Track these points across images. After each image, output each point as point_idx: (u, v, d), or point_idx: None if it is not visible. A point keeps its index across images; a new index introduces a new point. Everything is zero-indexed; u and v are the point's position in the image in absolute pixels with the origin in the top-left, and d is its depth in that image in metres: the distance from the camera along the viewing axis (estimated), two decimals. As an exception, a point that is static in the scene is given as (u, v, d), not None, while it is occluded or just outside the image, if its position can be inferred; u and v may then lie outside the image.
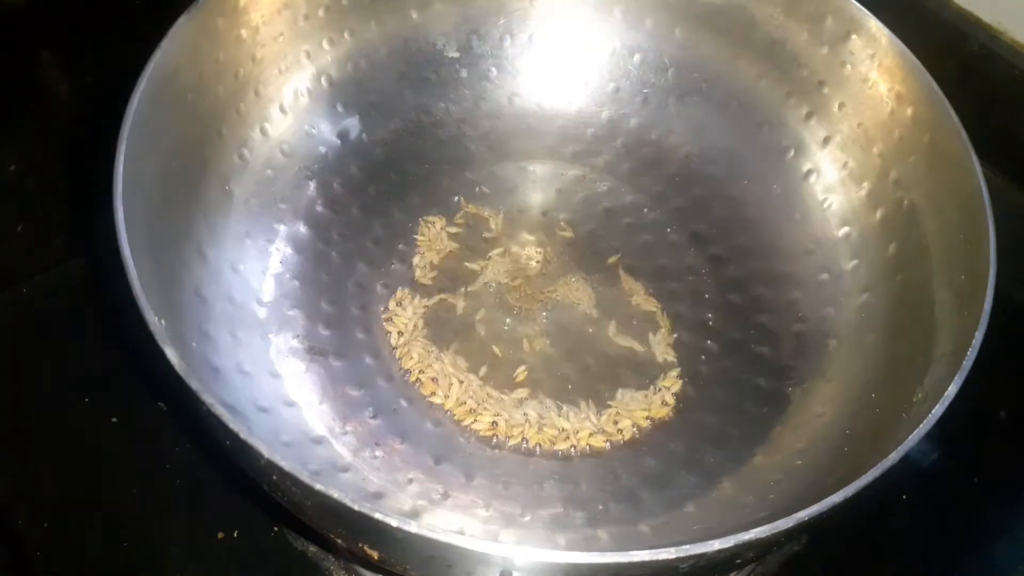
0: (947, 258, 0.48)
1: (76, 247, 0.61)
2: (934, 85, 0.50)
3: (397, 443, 0.48)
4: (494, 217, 0.58)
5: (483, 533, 0.45)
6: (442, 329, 0.53)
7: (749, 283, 0.56)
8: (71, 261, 0.60)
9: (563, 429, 0.50)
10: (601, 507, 0.47)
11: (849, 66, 0.55)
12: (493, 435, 0.50)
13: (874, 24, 0.53)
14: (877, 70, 0.54)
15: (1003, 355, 0.45)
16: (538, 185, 0.60)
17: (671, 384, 0.52)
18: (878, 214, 0.54)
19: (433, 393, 0.51)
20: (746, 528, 0.34)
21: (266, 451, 0.34)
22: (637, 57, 0.62)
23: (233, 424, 0.35)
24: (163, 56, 0.46)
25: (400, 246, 0.57)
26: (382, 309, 0.54)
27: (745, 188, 0.59)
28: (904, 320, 0.50)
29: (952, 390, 0.39)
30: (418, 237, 0.57)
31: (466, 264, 0.56)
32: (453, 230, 0.58)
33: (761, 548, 0.38)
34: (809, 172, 0.58)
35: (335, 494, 0.33)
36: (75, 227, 0.62)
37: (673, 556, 0.33)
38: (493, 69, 0.62)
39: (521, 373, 0.52)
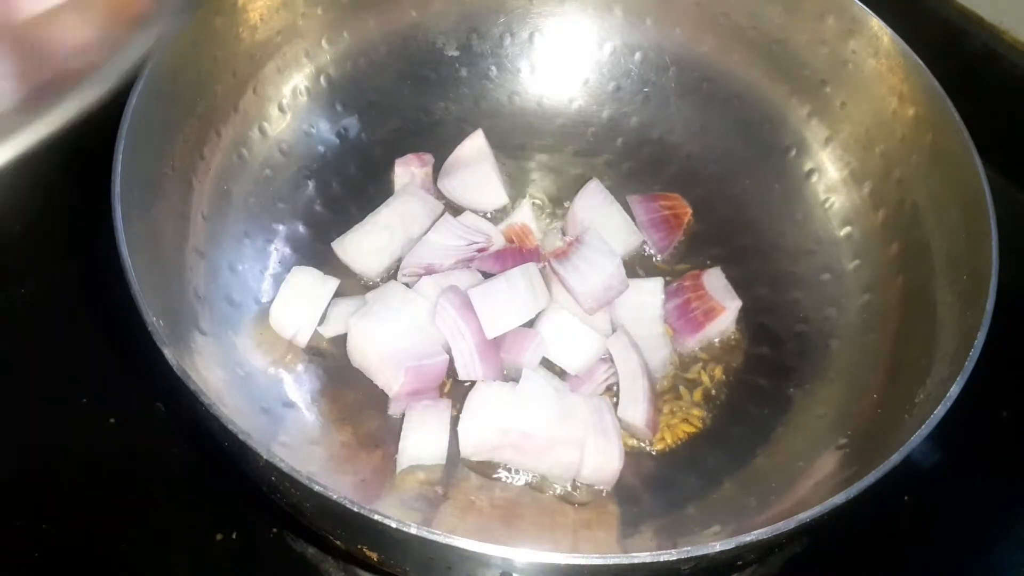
0: (949, 258, 0.48)
1: (76, 247, 0.61)
2: (936, 84, 0.50)
3: (396, 444, 0.48)
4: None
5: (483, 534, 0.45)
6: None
7: (750, 283, 0.55)
8: (71, 261, 0.60)
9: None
10: (602, 507, 0.47)
11: (851, 65, 0.55)
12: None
13: (876, 23, 0.53)
14: (879, 69, 0.53)
15: (1005, 356, 0.45)
16: (538, 184, 0.60)
17: (672, 382, 0.52)
18: (880, 214, 0.54)
19: (433, 393, 0.50)
20: (747, 530, 0.34)
21: (265, 452, 0.34)
22: (638, 56, 0.62)
23: (232, 425, 0.35)
24: (162, 55, 0.46)
25: (400, 246, 0.56)
26: (382, 309, 0.54)
27: (746, 188, 0.59)
28: (906, 320, 0.49)
29: (954, 391, 0.39)
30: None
31: (466, 264, 0.56)
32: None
33: (762, 549, 0.38)
34: (811, 172, 0.57)
35: (334, 495, 0.33)
36: (75, 227, 0.62)
37: (674, 557, 0.33)
38: (493, 68, 0.62)
39: (521, 373, 0.52)
